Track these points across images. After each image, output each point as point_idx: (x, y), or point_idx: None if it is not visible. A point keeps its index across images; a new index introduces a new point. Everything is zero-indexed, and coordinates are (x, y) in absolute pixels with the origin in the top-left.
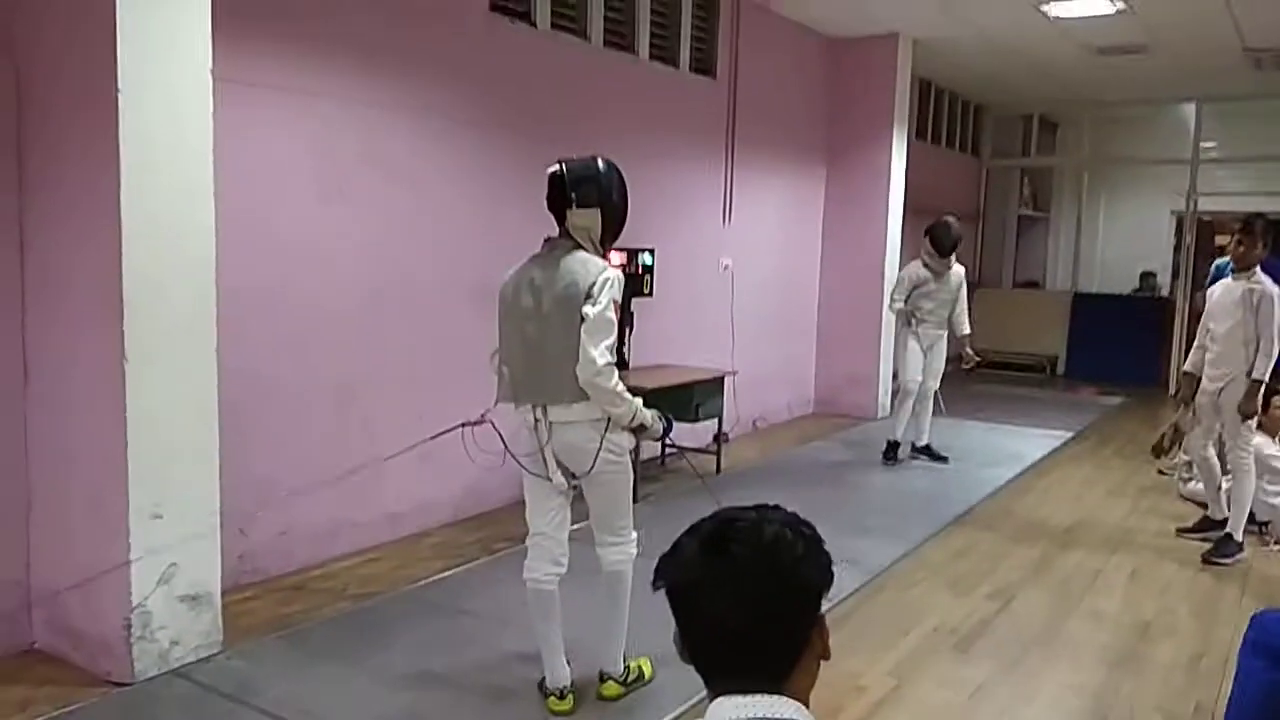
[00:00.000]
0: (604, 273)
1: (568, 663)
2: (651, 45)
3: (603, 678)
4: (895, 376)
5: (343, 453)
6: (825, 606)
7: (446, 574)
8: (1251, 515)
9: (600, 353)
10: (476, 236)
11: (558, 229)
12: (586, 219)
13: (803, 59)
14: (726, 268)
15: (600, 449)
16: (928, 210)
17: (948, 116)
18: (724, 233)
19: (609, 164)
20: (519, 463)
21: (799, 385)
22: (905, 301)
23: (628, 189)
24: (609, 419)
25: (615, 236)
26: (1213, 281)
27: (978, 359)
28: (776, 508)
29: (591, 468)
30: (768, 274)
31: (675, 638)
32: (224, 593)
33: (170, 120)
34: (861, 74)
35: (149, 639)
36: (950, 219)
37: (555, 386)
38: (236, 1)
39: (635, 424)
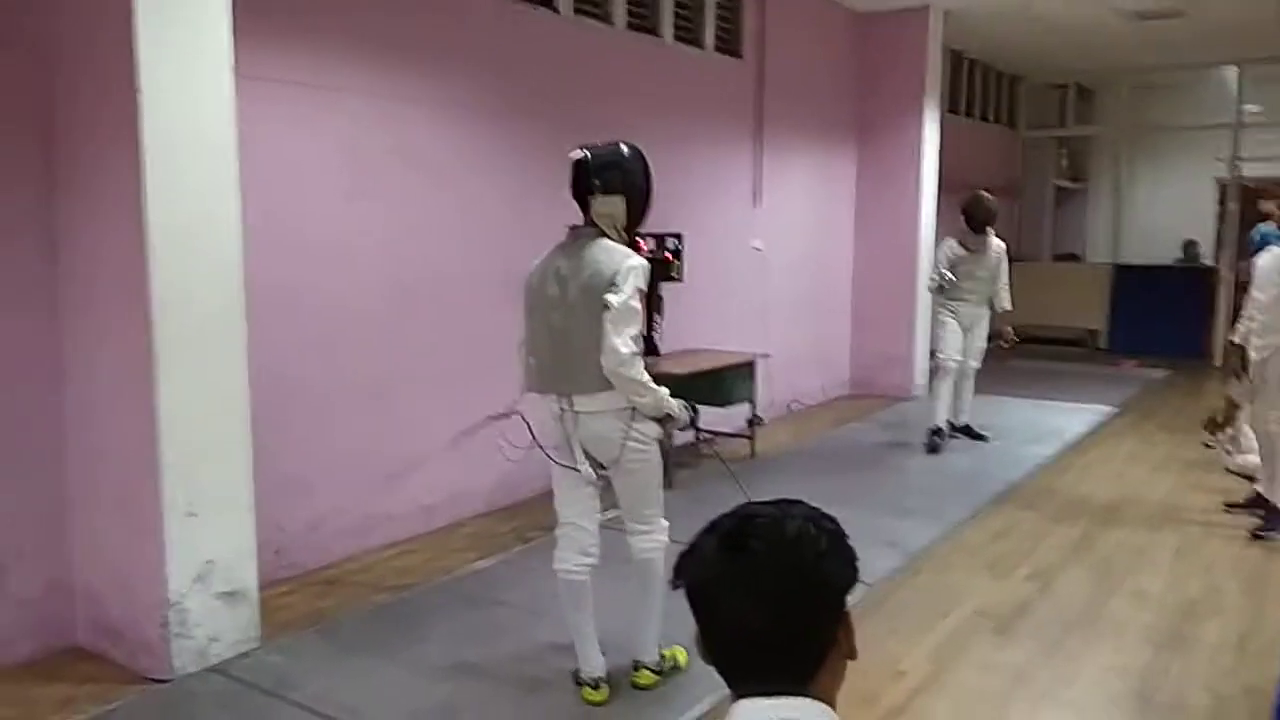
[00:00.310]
0: (628, 260)
1: (602, 653)
2: (676, 27)
3: (636, 666)
4: (933, 355)
5: (374, 448)
6: (861, 592)
7: (480, 565)
8: None
9: (624, 342)
10: (505, 227)
11: (582, 217)
12: (611, 206)
13: (830, 35)
14: (758, 249)
15: (627, 439)
16: (964, 185)
17: (981, 89)
18: (754, 214)
19: (634, 149)
20: (546, 453)
21: (833, 366)
22: (942, 279)
23: (653, 174)
24: (635, 408)
25: (640, 223)
26: (1255, 249)
27: (1016, 338)
28: (799, 502)
29: (619, 457)
30: (799, 254)
31: (695, 638)
32: (260, 588)
33: (193, 118)
34: (891, 48)
35: (187, 636)
36: (983, 193)
37: (581, 376)
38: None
39: (661, 413)
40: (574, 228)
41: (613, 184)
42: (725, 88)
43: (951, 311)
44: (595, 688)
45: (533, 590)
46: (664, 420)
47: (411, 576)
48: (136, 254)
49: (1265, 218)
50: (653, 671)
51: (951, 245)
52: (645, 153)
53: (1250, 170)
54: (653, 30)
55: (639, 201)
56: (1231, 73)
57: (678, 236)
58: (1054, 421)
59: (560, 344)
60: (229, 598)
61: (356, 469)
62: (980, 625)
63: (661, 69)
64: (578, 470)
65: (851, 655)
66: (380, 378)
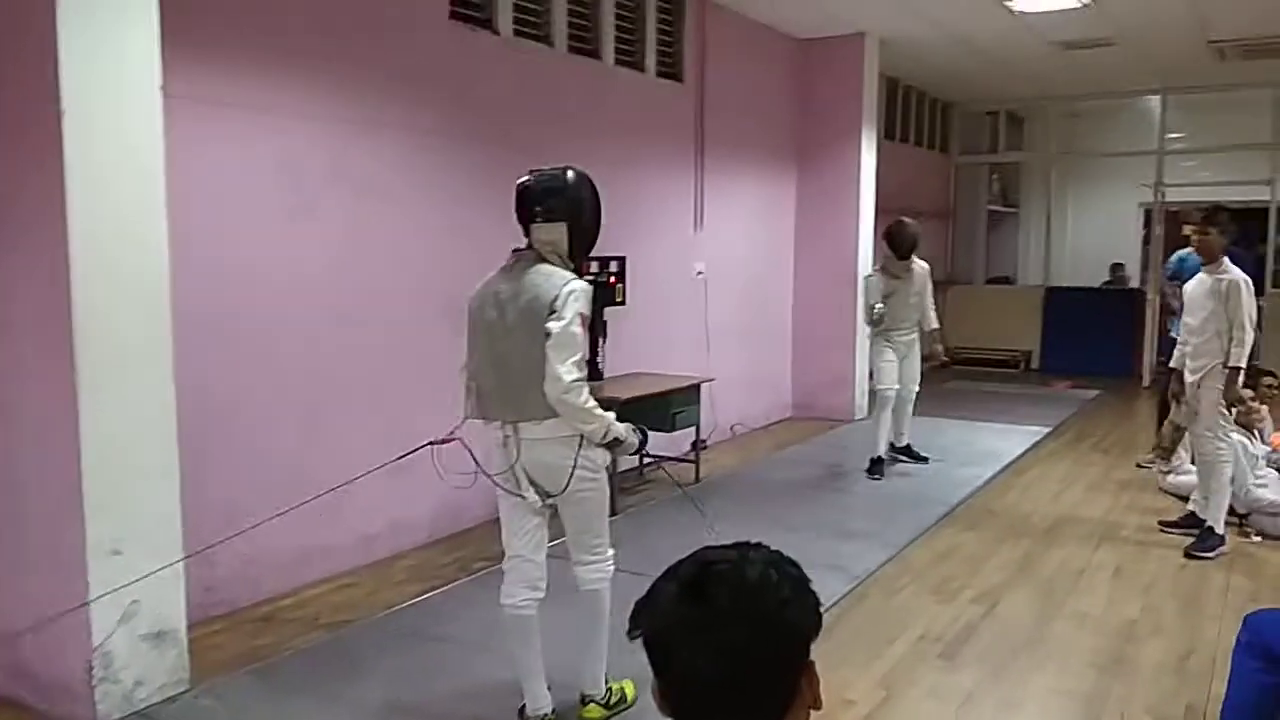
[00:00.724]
0: (568, 285)
1: (549, 688)
2: (617, 50)
3: (584, 700)
4: (871, 377)
5: (311, 476)
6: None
7: (422, 598)
8: (1231, 508)
9: (567, 369)
10: (446, 250)
11: (525, 241)
12: (552, 233)
13: (770, 61)
14: (700, 274)
15: (575, 467)
16: (898, 210)
17: (915, 115)
18: (696, 238)
19: (580, 176)
20: (493, 481)
21: (776, 390)
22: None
23: (600, 201)
24: (582, 436)
25: (587, 251)
26: (1174, 274)
27: (946, 357)
28: (759, 545)
29: (566, 485)
30: (741, 278)
31: (653, 688)
32: (190, 627)
33: (119, 139)
34: (829, 74)
35: (112, 680)
36: (905, 219)
37: (525, 403)
38: (189, 18)
39: (609, 439)
40: (517, 251)
41: (555, 211)
42: (667, 112)
43: (888, 341)
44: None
45: (477, 624)
46: (612, 445)
47: (350, 612)
48: (58, 279)
49: (1184, 242)
50: (601, 705)
51: (878, 277)
52: (592, 178)
53: (1174, 195)
54: (594, 53)
55: (583, 230)
56: (1156, 101)
57: (620, 260)
58: (991, 443)
59: (502, 370)
60: (156, 639)
61: (292, 500)
62: (928, 650)
63: (603, 92)
64: (523, 498)
65: (816, 705)
66: (318, 404)
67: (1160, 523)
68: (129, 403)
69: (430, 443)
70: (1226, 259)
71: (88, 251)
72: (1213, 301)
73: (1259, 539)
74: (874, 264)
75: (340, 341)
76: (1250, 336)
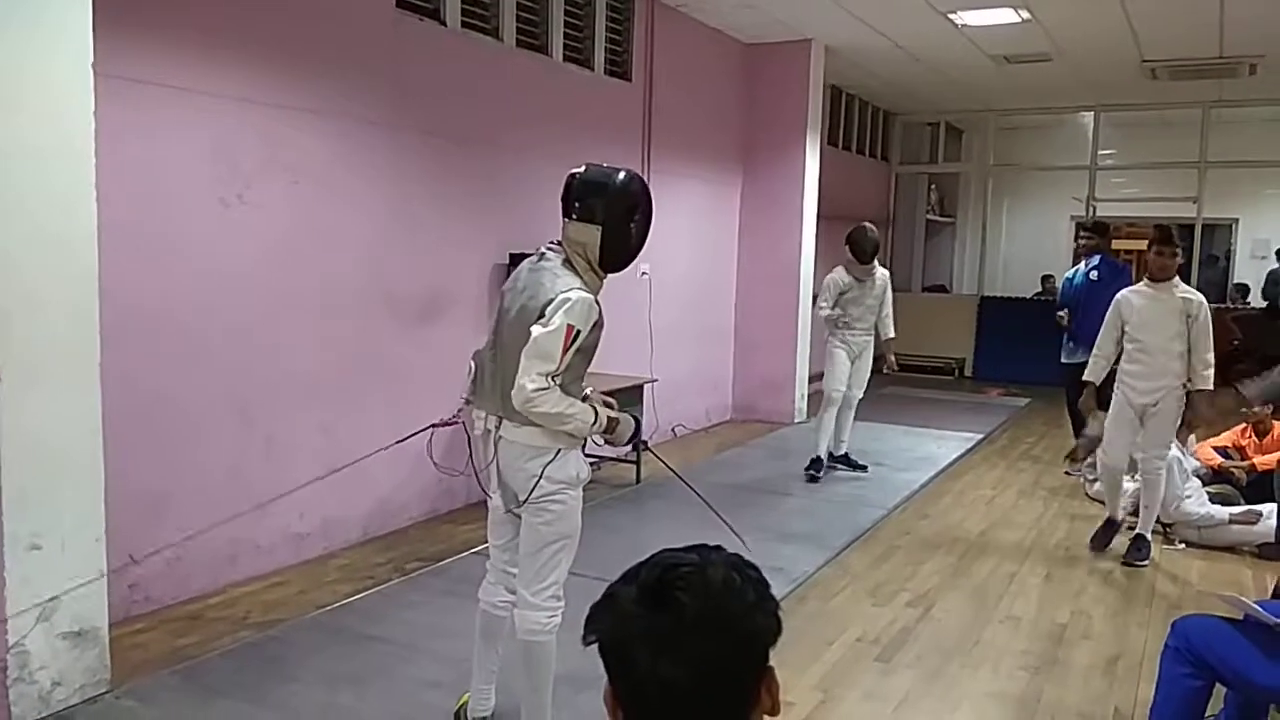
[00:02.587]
0: (566, 292)
1: (494, 692)
2: (565, 47)
3: None
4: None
5: (242, 472)
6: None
7: (355, 598)
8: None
9: (532, 379)
10: (388, 241)
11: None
12: (584, 234)
13: (718, 64)
14: (644, 274)
15: (539, 478)
16: (839, 216)
17: (858, 123)
18: None
19: (631, 180)
20: (477, 476)
21: (717, 391)
22: (833, 307)
23: (651, 213)
24: (556, 452)
25: (620, 264)
26: (1064, 293)
27: (897, 368)
28: (718, 548)
29: (529, 497)
30: (684, 280)
31: (605, 694)
32: (112, 625)
33: (48, 119)
34: (776, 80)
35: (27, 681)
36: (868, 225)
37: (509, 401)
38: None
39: (598, 431)
40: (551, 243)
41: (593, 211)
42: (614, 110)
43: (842, 342)
44: None
45: (411, 626)
46: (610, 435)
47: (280, 611)
48: None
49: (1077, 259)
50: None
51: (840, 276)
52: (648, 188)
53: (1105, 210)
54: (542, 49)
55: (617, 239)
56: (1089, 118)
57: None
58: (926, 448)
59: (498, 361)
60: (76, 638)
61: (221, 495)
62: (864, 653)
63: (550, 88)
64: (490, 497)
65: (774, 711)
66: (250, 397)
67: (1091, 543)
68: (53, 394)
69: (432, 425)
70: (1177, 278)
71: (12, 239)
72: (1178, 321)
73: (1183, 547)
74: (815, 268)
75: (276, 333)
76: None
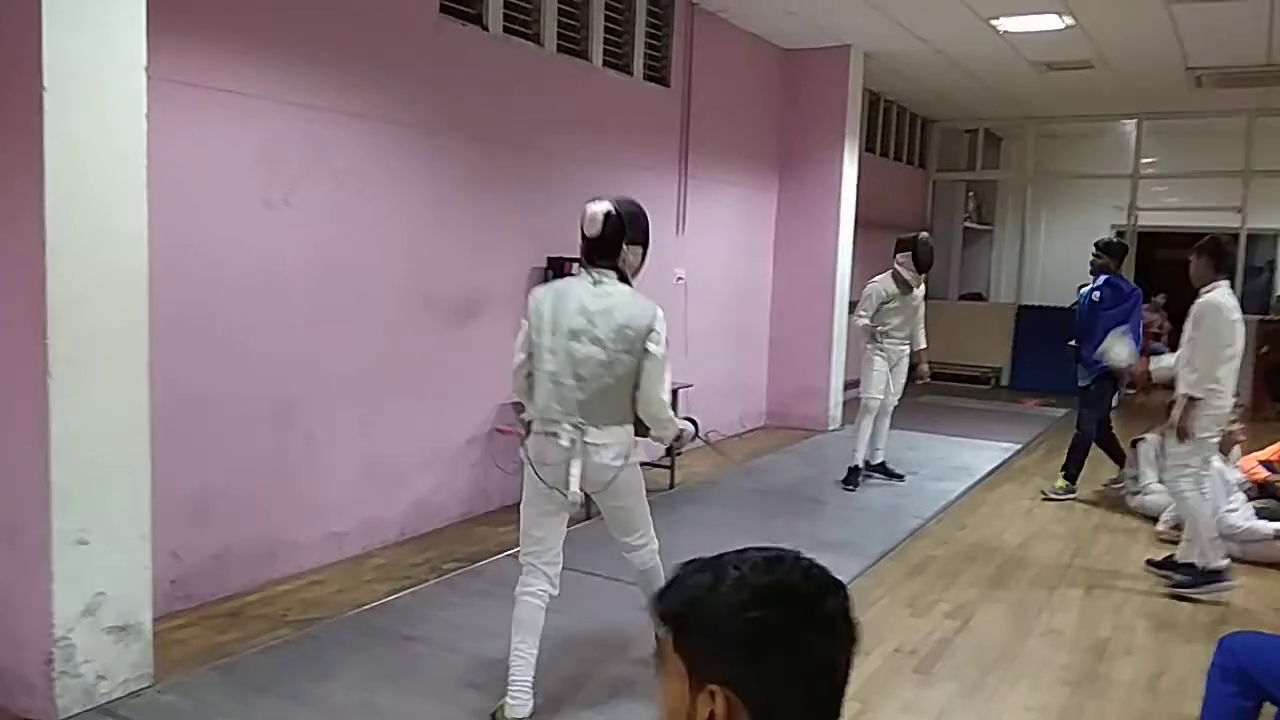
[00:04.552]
0: (658, 312)
1: (534, 694)
2: (605, 52)
3: None
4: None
5: (283, 472)
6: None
7: (392, 597)
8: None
9: (665, 391)
10: (430, 244)
11: (589, 257)
12: (634, 255)
13: (756, 70)
14: (680, 279)
15: (625, 466)
16: (876, 223)
17: (895, 130)
18: (677, 243)
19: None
20: (539, 478)
21: (751, 397)
22: (872, 318)
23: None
24: (634, 443)
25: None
26: (1086, 307)
27: (929, 379)
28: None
29: (615, 485)
30: (720, 285)
31: (716, 696)
32: (155, 621)
33: (101, 121)
34: (814, 86)
35: (73, 674)
36: (926, 235)
37: (599, 410)
38: None
39: (677, 435)
40: (589, 264)
41: (636, 235)
42: (652, 115)
43: (882, 351)
44: None
45: (448, 626)
46: (678, 438)
47: (319, 609)
48: (33, 263)
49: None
50: None
51: (883, 287)
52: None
53: (1146, 219)
54: (582, 54)
55: (648, 251)
56: (1132, 126)
57: None
58: (963, 458)
59: (582, 376)
60: (120, 632)
61: (263, 494)
62: (902, 664)
63: (590, 93)
64: (565, 495)
65: None
66: (293, 398)
67: (1148, 562)
68: (102, 393)
69: (498, 430)
70: (1219, 283)
71: (65, 234)
72: (1190, 329)
73: (1228, 562)
74: (851, 276)
75: (317, 335)
76: (1207, 364)
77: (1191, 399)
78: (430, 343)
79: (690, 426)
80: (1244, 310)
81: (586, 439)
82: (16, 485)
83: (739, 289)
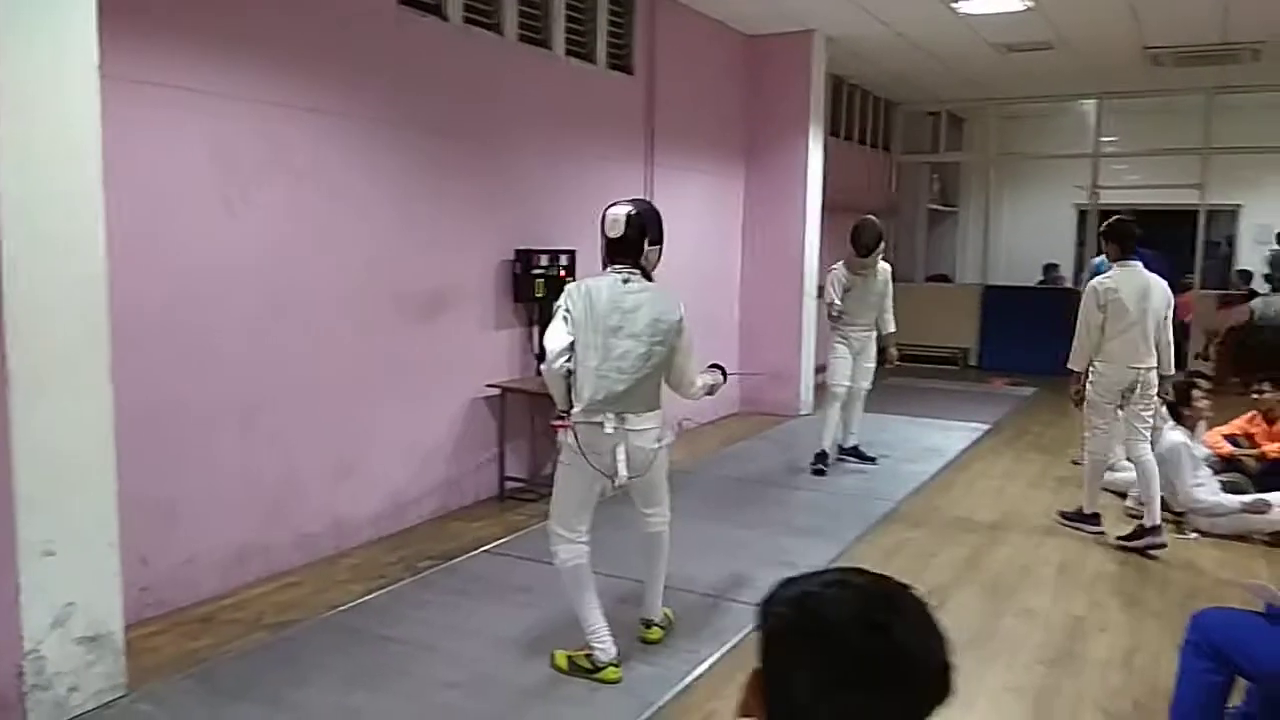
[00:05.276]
0: (681, 304)
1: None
2: (567, 41)
3: (647, 624)
4: (819, 372)
5: (252, 474)
6: (765, 618)
7: (368, 598)
8: (1168, 506)
9: (695, 370)
10: (393, 239)
11: (613, 257)
12: (654, 254)
13: (720, 56)
14: None
15: (659, 446)
16: (841, 207)
17: (859, 113)
18: None
19: (653, 204)
20: (589, 462)
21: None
22: (839, 301)
23: None
24: (666, 425)
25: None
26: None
27: (899, 361)
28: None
29: (651, 463)
30: (689, 272)
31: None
32: (126, 629)
33: (55, 123)
34: (778, 71)
35: (44, 687)
36: (870, 217)
37: (639, 398)
38: None
39: (708, 389)
40: (617, 264)
41: (656, 237)
42: (616, 104)
43: (843, 338)
44: (617, 665)
45: (425, 625)
46: (710, 390)
47: (293, 612)
48: None
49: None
50: (660, 628)
51: (841, 272)
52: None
53: (1107, 198)
54: (544, 43)
55: (661, 249)
56: (1092, 105)
57: (571, 254)
58: (933, 439)
59: (624, 369)
60: (91, 642)
61: (231, 497)
62: None
63: (553, 82)
64: (612, 479)
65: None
66: (259, 399)
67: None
68: (63, 400)
69: (554, 426)
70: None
71: (21, 238)
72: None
73: (1196, 536)
74: (819, 260)
75: (282, 334)
76: (1084, 339)
77: (1073, 372)
78: (398, 339)
79: (719, 376)
80: (1202, 286)
81: (628, 426)
82: None
83: (707, 276)
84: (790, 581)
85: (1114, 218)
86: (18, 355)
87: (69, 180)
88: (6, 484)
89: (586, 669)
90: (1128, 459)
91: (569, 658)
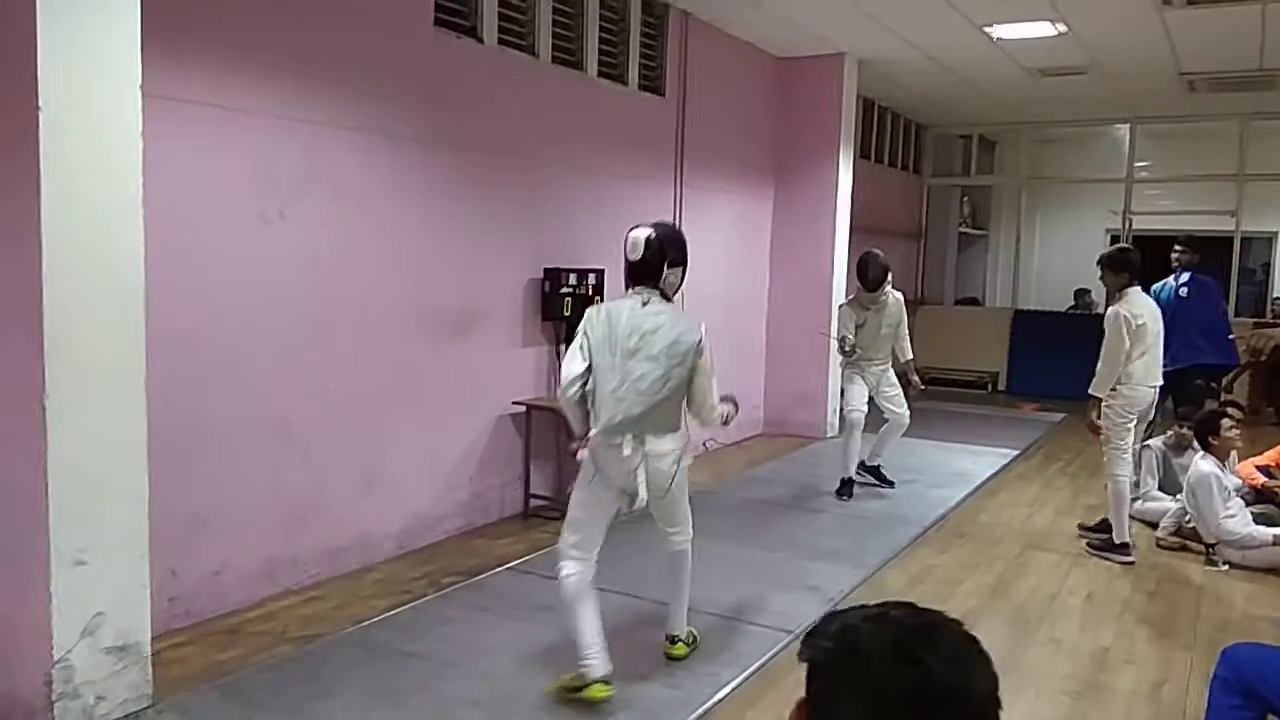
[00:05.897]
0: (701, 327)
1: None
2: (600, 62)
3: (672, 640)
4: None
5: (280, 488)
6: (785, 640)
7: (392, 613)
8: (1199, 538)
9: (715, 395)
10: (426, 257)
11: (633, 279)
12: (675, 277)
13: (751, 78)
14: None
15: (678, 471)
16: (871, 229)
17: (890, 136)
18: None
19: (675, 227)
20: (609, 483)
21: (748, 405)
22: (851, 337)
23: None
24: (686, 445)
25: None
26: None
27: (922, 386)
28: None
29: (669, 485)
30: (717, 293)
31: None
32: (153, 639)
33: (97, 140)
34: (809, 94)
35: (72, 696)
36: (875, 250)
37: (658, 421)
38: (168, 13)
39: (724, 420)
40: (639, 286)
41: (676, 259)
42: (647, 124)
43: (859, 372)
44: (606, 683)
45: (448, 641)
46: (724, 421)
47: (318, 626)
48: (28, 285)
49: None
50: (685, 644)
51: (849, 310)
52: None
53: (1140, 223)
54: (577, 65)
55: (685, 271)
56: (1125, 130)
57: (599, 273)
58: (961, 464)
59: (643, 392)
60: (120, 652)
61: (260, 510)
62: None
63: (585, 103)
64: (634, 498)
65: None
66: (288, 414)
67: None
68: (99, 414)
69: (574, 449)
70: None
71: (60, 254)
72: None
73: (1227, 568)
74: (848, 285)
75: (315, 350)
76: (1114, 366)
77: (1094, 398)
78: (427, 356)
79: (730, 407)
80: (1237, 314)
81: (647, 448)
82: (14, 507)
83: (735, 296)
84: (834, 615)
85: (1116, 246)
86: (54, 368)
87: (109, 196)
88: (41, 494)
89: (573, 688)
90: (1160, 489)
91: (560, 687)
